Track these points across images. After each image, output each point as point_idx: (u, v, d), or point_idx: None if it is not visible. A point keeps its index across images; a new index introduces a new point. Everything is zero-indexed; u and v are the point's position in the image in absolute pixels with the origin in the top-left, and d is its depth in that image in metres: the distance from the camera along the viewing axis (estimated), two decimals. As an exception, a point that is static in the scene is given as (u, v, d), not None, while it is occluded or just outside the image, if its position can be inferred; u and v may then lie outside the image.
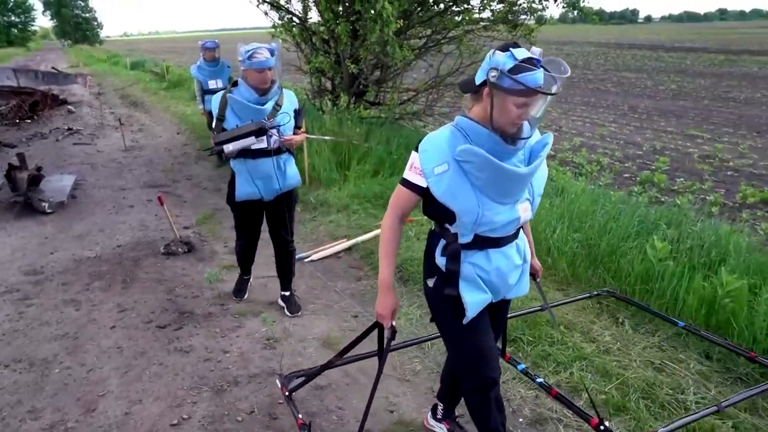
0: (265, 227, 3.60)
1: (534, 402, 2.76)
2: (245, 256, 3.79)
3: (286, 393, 2.63)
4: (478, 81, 1.73)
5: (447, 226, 1.89)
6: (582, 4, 7.50)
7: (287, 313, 3.66)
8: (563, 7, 7.70)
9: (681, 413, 2.64)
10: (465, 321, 1.91)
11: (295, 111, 3.31)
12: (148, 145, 9.37)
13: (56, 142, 9.45)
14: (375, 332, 2.13)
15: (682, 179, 7.74)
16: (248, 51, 3.04)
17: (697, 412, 2.51)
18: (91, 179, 7.13)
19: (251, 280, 3.98)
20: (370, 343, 2.30)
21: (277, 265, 3.71)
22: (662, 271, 3.63)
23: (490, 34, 7.86)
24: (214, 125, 3.25)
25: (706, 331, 3.19)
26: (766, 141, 10.50)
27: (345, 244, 4.76)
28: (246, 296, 3.89)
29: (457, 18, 7.66)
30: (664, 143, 10.32)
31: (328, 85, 8.54)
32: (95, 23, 74.02)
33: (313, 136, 6.74)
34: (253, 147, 3.18)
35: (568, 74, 1.66)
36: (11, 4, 62.53)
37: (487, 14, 7.82)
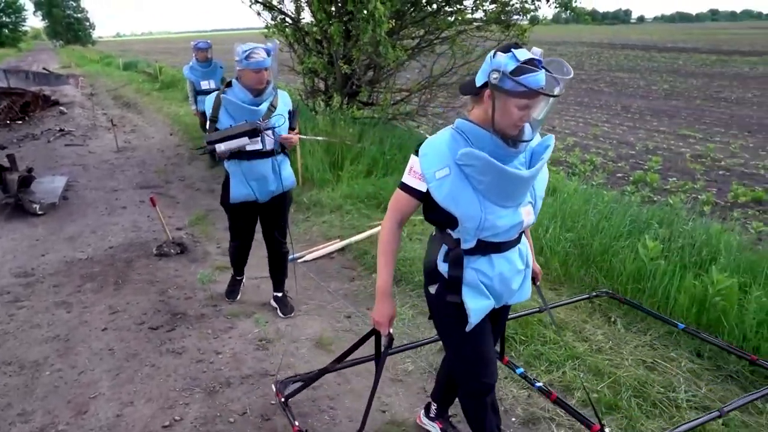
0: (258, 228, 3.59)
1: (526, 401, 2.77)
2: (239, 258, 3.77)
3: (282, 399, 2.60)
4: (478, 83, 1.70)
5: (449, 231, 1.85)
6: (574, 5, 7.53)
7: (280, 314, 3.65)
8: (556, 7, 7.74)
9: (672, 412, 2.66)
10: (468, 328, 1.88)
11: (289, 112, 3.29)
12: (141, 146, 9.32)
13: (48, 144, 9.39)
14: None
15: (674, 179, 7.79)
16: (245, 51, 3.02)
17: (699, 418, 2.49)
18: (83, 180, 7.08)
19: (244, 281, 3.97)
20: (366, 346, 2.29)
21: (270, 266, 3.71)
22: (654, 270, 3.65)
23: (483, 35, 7.87)
24: (207, 126, 3.23)
25: (707, 334, 3.18)
26: (758, 140, 10.59)
27: (338, 244, 4.76)
28: (239, 297, 3.88)
29: (449, 18, 7.65)
30: (656, 143, 10.38)
31: (321, 85, 8.52)
32: (87, 23, 73.79)
33: (306, 137, 6.73)
34: (248, 148, 3.15)
35: (571, 75, 1.62)
36: (1, 4, 62.14)
37: (479, 14, 7.85)
